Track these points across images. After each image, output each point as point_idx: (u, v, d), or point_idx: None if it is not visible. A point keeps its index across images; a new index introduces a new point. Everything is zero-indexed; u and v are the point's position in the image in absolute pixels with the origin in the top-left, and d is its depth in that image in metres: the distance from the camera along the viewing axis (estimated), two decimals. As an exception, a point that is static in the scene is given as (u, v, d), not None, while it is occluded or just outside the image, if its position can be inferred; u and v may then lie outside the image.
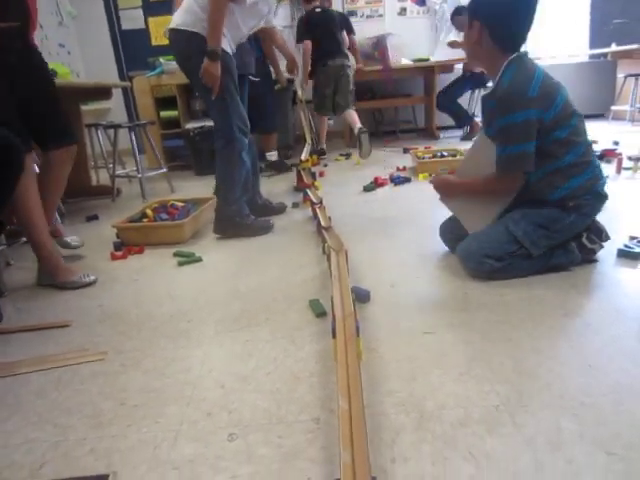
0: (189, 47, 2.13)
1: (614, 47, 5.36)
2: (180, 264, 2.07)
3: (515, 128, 1.51)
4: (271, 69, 3.76)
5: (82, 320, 1.61)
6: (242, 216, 2.41)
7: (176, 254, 2.19)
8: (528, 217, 1.62)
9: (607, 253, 1.75)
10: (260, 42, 3.29)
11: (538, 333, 1.28)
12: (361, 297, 1.55)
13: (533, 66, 1.55)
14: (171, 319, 1.56)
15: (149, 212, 2.53)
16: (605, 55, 5.72)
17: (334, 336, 1.17)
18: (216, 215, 2.42)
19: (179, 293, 1.77)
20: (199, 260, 2.10)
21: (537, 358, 1.17)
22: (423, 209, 2.63)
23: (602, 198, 1.64)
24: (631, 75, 5.24)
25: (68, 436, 1.03)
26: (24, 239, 2.49)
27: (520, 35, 1.54)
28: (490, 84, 5.16)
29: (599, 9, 5.81)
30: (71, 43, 5.81)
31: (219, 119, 2.26)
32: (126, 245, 2.34)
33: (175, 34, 2.16)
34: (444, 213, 2.00)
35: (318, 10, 4.44)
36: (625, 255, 1.73)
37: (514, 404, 1.01)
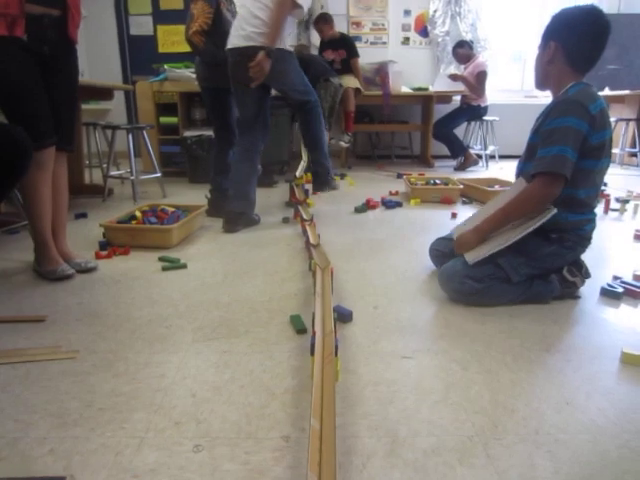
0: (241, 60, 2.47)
1: (607, 91, 5.50)
2: (164, 269, 2.05)
3: (567, 130, 1.50)
4: None
5: (59, 316, 1.57)
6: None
7: (161, 259, 2.17)
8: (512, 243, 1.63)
9: (591, 290, 1.77)
10: None
11: (517, 366, 1.27)
12: (343, 316, 1.54)
13: (598, 95, 1.58)
14: (149, 323, 1.53)
15: (138, 214, 2.51)
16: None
17: (312, 353, 1.16)
18: (319, 172, 2.90)
19: (160, 298, 1.75)
20: (184, 267, 2.07)
21: (515, 391, 1.16)
22: (411, 234, 2.64)
23: (586, 242, 1.69)
24: (622, 119, 5.38)
25: (28, 433, 1.00)
26: (6, 228, 2.48)
27: (593, 58, 1.58)
28: (492, 117, 5.29)
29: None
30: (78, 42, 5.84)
31: (302, 88, 2.69)
32: (112, 245, 2.31)
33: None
34: (431, 239, 2.02)
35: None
36: (607, 294, 1.75)
37: (489, 435, 0.99)
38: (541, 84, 1.70)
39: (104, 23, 5.94)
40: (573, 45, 1.56)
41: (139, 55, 6.02)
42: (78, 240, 2.44)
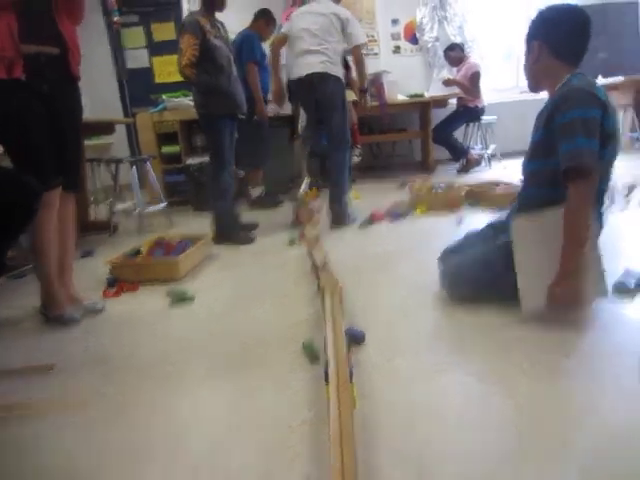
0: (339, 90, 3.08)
1: (600, 80, 5.46)
2: (173, 303, 2.04)
3: (587, 122, 1.44)
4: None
5: (67, 363, 1.57)
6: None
7: (169, 292, 2.16)
8: (507, 248, 1.59)
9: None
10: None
11: (537, 375, 1.24)
12: (356, 338, 1.51)
13: (596, 82, 1.57)
14: (159, 362, 1.52)
15: (144, 248, 2.52)
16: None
17: (327, 382, 1.14)
18: (338, 208, 3.20)
19: (169, 334, 1.74)
20: (192, 299, 2.07)
21: (537, 402, 1.13)
22: (420, 244, 2.62)
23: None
24: (619, 106, 5.34)
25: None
26: (12, 274, 2.49)
27: (579, 49, 1.58)
28: (490, 117, 5.27)
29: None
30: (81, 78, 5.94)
31: (344, 128, 3.12)
32: (120, 282, 2.32)
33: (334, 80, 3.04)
34: (440, 247, 1.99)
35: None
36: (620, 290, 1.71)
37: (517, 456, 0.96)
38: (535, 86, 1.69)
39: (101, 59, 6.02)
40: (556, 39, 1.56)
41: (137, 87, 6.09)
42: (85, 279, 2.44)
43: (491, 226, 1.93)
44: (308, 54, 3.04)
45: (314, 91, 3.07)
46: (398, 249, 2.57)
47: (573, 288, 1.44)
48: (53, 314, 1.90)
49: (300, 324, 1.72)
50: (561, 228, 1.45)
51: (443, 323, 1.64)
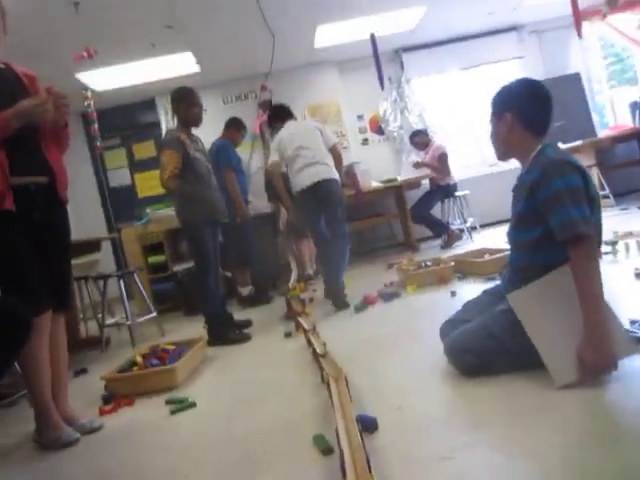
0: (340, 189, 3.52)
1: (561, 145, 5.83)
2: (173, 412, 1.96)
3: (572, 191, 1.48)
4: None
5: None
6: None
7: (168, 401, 2.08)
8: (507, 314, 1.61)
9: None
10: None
11: (565, 443, 1.19)
12: (368, 426, 1.45)
13: (566, 151, 1.67)
14: (163, 477, 1.43)
15: (139, 359, 2.45)
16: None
17: (344, 476, 1.08)
18: (338, 293, 3.41)
19: (172, 445, 1.65)
20: (193, 405, 1.99)
21: (571, 475, 1.07)
22: (416, 322, 2.61)
23: None
24: (587, 166, 5.64)
25: None
26: (4, 401, 2.37)
27: (547, 120, 1.67)
28: (462, 192, 5.51)
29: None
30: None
31: (345, 220, 3.56)
32: (116, 397, 2.23)
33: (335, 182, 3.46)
34: (439, 324, 1.99)
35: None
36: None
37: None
38: (504, 154, 1.77)
39: (84, 181, 6.24)
40: (527, 111, 1.65)
41: (120, 203, 6.28)
42: (81, 397, 2.35)
43: (488, 293, 1.95)
44: (311, 166, 3.42)
45: (320, 194, 3.41)
46: (396, 329, 2.55)
47: (604, 349, 1.42)
48: (49, 438, 1.80)
49: (307, 417, 1.66)
50: (561, 292, 1.48)
51: (456, 399, 1.59)
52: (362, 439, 1.21)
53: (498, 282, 1.98)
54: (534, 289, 1.59)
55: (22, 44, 3.82)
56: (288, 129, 3.64)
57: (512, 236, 1.77)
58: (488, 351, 1.63)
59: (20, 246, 1.77)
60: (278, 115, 3.92)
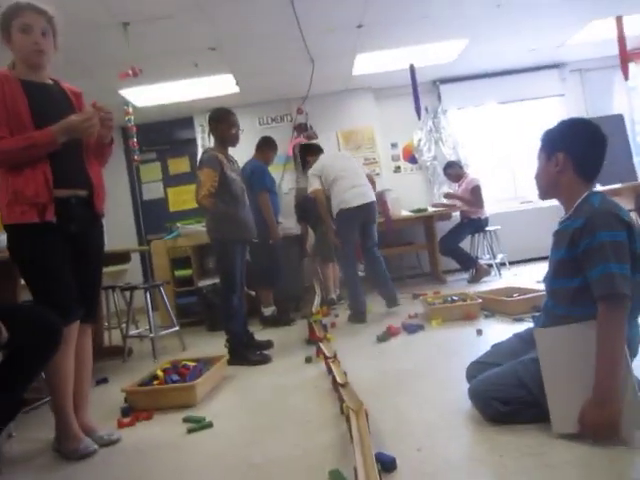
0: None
1: (599, 187, 5.71)
2: (190, 431, 1.95)
3: (615, 246, 1.42)
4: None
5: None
6: None
7: (186, 419, 2.08)
8: (538, 363, 1.54)
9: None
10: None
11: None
12: (386, 465, 1.41)
13: (616, 202, 1.58)
14: (179, 501, 1.42)
15: (160, 373, 2.47)
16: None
17: (361, 517, 1.05)
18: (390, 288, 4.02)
19: (188, 466, 1.64)
20: (210, 426, 1.98)
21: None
22: (441, 359, 2.55)
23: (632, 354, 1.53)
24: (629, 210, 5.52)
25: None
26: (27, 408, 2.40)
27: (599, 166, 1.60)
28: (493, 227, 5.43)
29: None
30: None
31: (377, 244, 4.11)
32: (135, 410, 2.24)
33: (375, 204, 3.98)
34: (464, 363, 1.94)
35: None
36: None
37: None
38: (547, 194, 1.72)
39: (119, 192, 6.42)
40: (581, 155, 1.59)
41: (152, 216, 6.42)
42: (100, 407, 2.36)
43: (519, 338, 1.87)
44: (356, 188, 3.88)
45: (365, 214, 3.89)
46: (420, 364, 2.50)
47: (607, 416, 1.37)
48: (68, 448, 1.81)
49: (325, 449, 1.63)
50: (588, 344, 1.42)
51: (479, 445, 1.54)
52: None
53: (528, 324, 1.91)
54: (562, 332, 1.54)
55: (70, 60, 4.01)
56: (327, 157, 3.99)
57: (550, 283, 1.70)
58: (516, 400, 1.57)
59: (56, 257, 1.81)
60: (310, 149, 4.09)
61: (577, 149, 1.60)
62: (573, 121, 1.67)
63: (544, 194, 1.73)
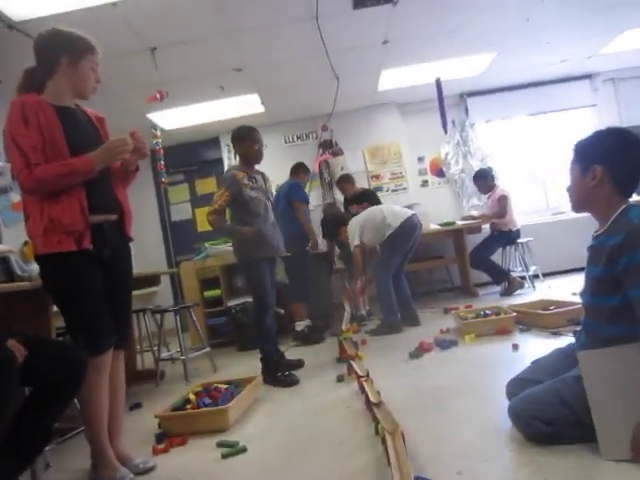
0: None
1: (636, 197, 5.52)
2: (224, 456, 1.92)
3: None
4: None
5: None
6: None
7: (220, 444, 2.06)
8: (581, 381, 1.47)
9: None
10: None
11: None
12: (426, 490, 1.37)
13: None
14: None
15: (192, 397, 2.46)
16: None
17: None
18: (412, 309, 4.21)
19: (223, 493, 1.62)
20: (244, 450, 1.95)
21: None
22: (477, 376, 2.47)
23: None
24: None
25: None
26: (63, 438, 2.39)
27: (638, 178, 1.56)
28: (525, 239, 5.30)
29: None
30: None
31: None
32: (169, 435, 2.23)
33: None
34: (501, 380, 1.87)
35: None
36: None
37: None
38: (581, 207, 1.65)
39: (148, 215, 6.55)
40: (620, 167, 1.53)
41: (181, 238, 6.50)
42: (135, 434, 2.36)
43: (561, 354, 1.80)
44: (394, 209, 4.18)
45: (413, 232, 4.08)
46: (455, 381, 2.43)
47: None
48: (104, 477, 1.80)
49: (360, 473, 1.59)
50: (634, 366, 1.38)
51: (522, 468, 1.46)
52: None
53: (567, 338, 1.84)
54: (607, 354, 1.48)
55: (103, 84, 4.13)
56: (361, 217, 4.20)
57: (587, 299, 1.63)
58: (559, 420, 1.50)
59: (92, 285, 1.80)
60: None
61: (615, 162, 1.53)
62: (610, 132, 1.59)
63: (578, 208, 1.67)
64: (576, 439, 1.50)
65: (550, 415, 1.52)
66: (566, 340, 2.02)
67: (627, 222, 1.47)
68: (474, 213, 5.74)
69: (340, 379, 2.81)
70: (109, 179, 1.93)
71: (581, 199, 1.64)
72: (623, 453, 1.37)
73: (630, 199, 1.57)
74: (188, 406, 2.39)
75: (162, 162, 4.78)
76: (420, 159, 6.46)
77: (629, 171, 1.55)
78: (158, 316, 3.82)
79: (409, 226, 4.00)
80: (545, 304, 3.59)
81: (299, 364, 3.28)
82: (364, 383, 2.30)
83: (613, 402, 1.41)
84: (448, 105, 5.42)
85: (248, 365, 3.40)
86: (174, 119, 5.48)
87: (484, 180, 5.44)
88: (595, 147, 1.58)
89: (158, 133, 4.73)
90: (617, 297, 1.47)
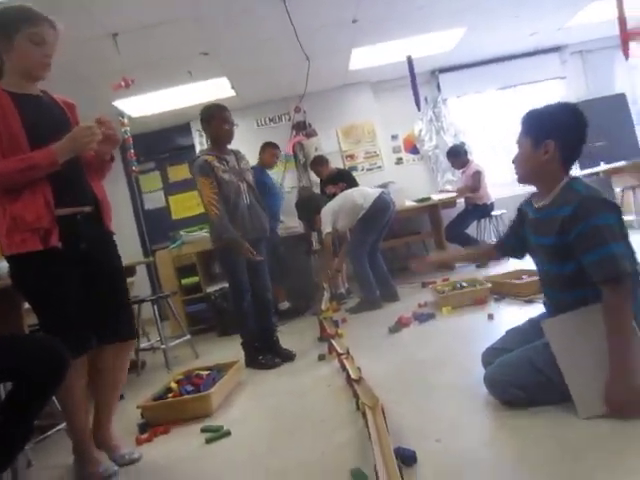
0: None
1: (604, 166, 5.66)
2: (208, 441, 1.93)
3: (611, 228, 1.44)
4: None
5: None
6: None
7: (204, 430, 2.06)
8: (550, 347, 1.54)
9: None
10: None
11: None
12: (406, 459, 1.40)
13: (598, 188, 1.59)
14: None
15: (174, 385, 2.46)
16: (597, 174, 6.00)
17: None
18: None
19: (209, 477, 1.63)
20: (228, 434, 1.96)
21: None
22: (454, 347, 2.52)
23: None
24: (627, 188, 5.48)
25: None
26: (44, 435, 2.36)
27: (580, 153, 1.61)
28: (499, 211, 5.38)
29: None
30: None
31: None
32: (152, 425, 2.23)
33: None
34: (477, 350, 1.92)
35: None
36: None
37: None
38: (529, 180, 1.68)
39: (120, 206, 6.41)
40: (570, 144, 1.58)
41: (155, 226, 6.41)
42: (118, 425, 2.33)
43: (532, 323, 1.84)
44: (365, 191, 4.18)
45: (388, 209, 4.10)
46: (433, 354, 2.48)
47: (630, 392, 1.39)
48: (87, 472, 1.78)
49: (343, 448, 1.61)
50: (595, 326, 1.44)
51: (498, 431, 1.52)
52: (402, 476, 1.15)
53: (540, 306, 1.90)
54: (568, 319, 1.55)
55: (62, 72, 3.99)
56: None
57: (544, 269, 1.70)
58: (533, 385, 1.56)
59: (63, 288, 1.69)
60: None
61: (567, 138, 1.57)
62: (562, 107, 1.61)
63: (526, 180, 1.70)
64: (551, 402, 1.55)
65: (524, 381, 1.57)
66: (539, 307, 2.07)
67: (575, 194, 1.53)
68: (449, 188, 5.79)
69: (321, 358, 2.84)
70: (81, 170, 1.81)
71: (530, 172, 1.67)
72: (598, 409, 1.42)
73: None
74: (170, 395, 2.39)
75: (132, 151, 4.68)
76: (394, 137, 6.47)
77: (577, 146, 1.59)
78: (136, 307, 3.77)
79: (381, 204, 4.02)
80: (518, 274, 3.67)
81: (289, 356, 3.04)
82: (344, 360, 2.33)
83: (582, 363, 1.47)
84: (420, 82, 5.43)
85: (230, 350, 3.40)
86: (142, 106, 5.35)
87: (457, 156, 5.49)
88: (548, 122, 1.60)
89: (126, 121, 4.61)
90: (571, 264, 1.53)
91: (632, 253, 1.50)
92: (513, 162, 1.72)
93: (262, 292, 3.08)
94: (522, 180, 1.71)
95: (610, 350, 1.40)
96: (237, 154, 3.12)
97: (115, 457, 1.87)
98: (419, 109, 5.47)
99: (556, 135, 1.56)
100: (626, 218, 5.63)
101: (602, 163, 5.70)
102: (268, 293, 3.12)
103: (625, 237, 1.48)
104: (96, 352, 1.84)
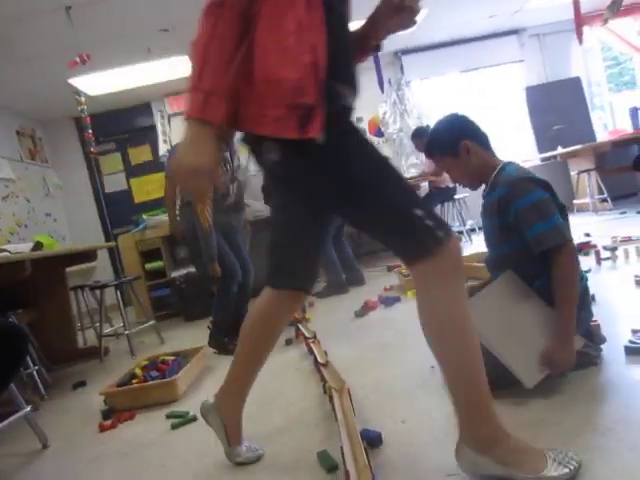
0: None
1: (560, 149, 5.84)
2: (174, 427, 1.93)
3: (546, 202, 1.55)
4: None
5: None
6: None
7: (169, 415, 2.05)
8: None
9: (615, 351, 1.69)
10: None
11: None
12: (372, 441, 1.43)
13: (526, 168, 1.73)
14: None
15: (138, 371, 2.42)
16: (555, 157, 6.19)
17: (351, 497, 1.05)
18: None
19: (175, 464, 1.62)
20: (194, 420, 1.95)
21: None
22: (419, 330, 2.55)
23: (585, 302, 1.64)
24: (582, 171, 5.67)
25: None
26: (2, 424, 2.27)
27: (487, 136, 1.75)
28: (462, 195, 5.49)
29: (538, 119, 6.47)
30: (57, 211, 6.05)
31: None
32: (116, 412, 2.19)
33: None
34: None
35: None
36: (633, 352, 1.67)
37: None
38: (476, 183, 1.77)
39: (80, 188, 6.22)
40: (479, 132, 1.72)
41: (117, 210, 6.24)
42: (80, 412, 2.32)
43: None
44: None
45: None
46: (397, 337, 2.53)
47: (572, 350, 1.50)
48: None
49: (311, 430, 1.63)
50: (508, 296, 1.58)
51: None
52: (368, 457, 1.18)
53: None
54: (482, 297, 1.62)
55: (14, 49, 3.80)
56: None
57: (495, 251, 1.78)
58: (490, 367, 1.59)
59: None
60: None
61: (471, 130, 1.71)
62: (447, 118, 1.77)
63: (475, 185, 1.79)
64: (506, 380, 1.57)
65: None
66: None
67: (507, 176, 1.64)
68: (413, 172, 5.86)
69: (288, 342, 2.85)
70: None
71: (473, 176, 1.75)
72: (539, 374, 1.50)
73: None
74: (134, 381, 2.35)
75: (90, 131, 4.50)
76: (358, 119, 6.45)
77: (480, 129, 1.73)
78: (98, 292, 3.69)
79: None
80: (481, 256, 3.76)
81: None
82: (312, 344, 2.35)
83: (508, 335, 1.54)
84: (383, 64, 5.42)
85: (196, 335, 3.38)
86: (100, 84, 5.15)
87: (421, 139, 5.52)
88: (449, 134, 1.71)
89: (83, 99, 4.44)
90: (516, 242, 1.62)
91: (568, 225, 1.60)
92: (455, 182, 1.86)
93: (246, 276, 3.12)
94: (474, 186, 1.80)
95: (560, 317, 1.50)
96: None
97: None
98: (383, 92, 5.47)
99: (460, 135, 1.68)
100: (581, 201, 5.92)
101: (559, 147, 5.89)
102: (250, 276, 3.16)
103: (561, 209, 1.60)
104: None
